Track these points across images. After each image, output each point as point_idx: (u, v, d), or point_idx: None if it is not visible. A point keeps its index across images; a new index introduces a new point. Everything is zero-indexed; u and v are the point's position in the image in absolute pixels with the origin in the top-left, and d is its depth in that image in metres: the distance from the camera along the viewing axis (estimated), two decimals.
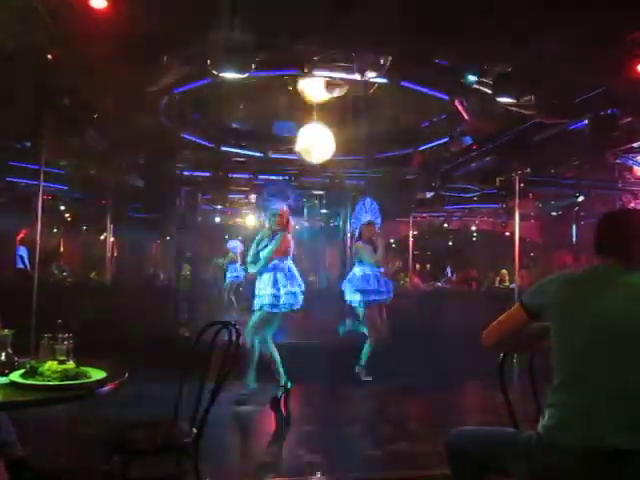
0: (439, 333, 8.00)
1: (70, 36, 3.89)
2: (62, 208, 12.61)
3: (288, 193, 5.35)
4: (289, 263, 5.15)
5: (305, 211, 10.82)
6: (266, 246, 5.11)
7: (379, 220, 6.67)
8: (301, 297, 5.12)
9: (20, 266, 11.64)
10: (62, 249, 14.70)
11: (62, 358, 2.35)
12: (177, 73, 4.52)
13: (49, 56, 4.60)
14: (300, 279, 5.20)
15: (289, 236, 5.18)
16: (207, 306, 10.71)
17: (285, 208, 5.24)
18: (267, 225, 5.22)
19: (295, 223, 5.92)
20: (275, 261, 5.08)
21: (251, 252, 5.25)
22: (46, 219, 8.56)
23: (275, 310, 5.03)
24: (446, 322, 8.48)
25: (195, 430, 2.68)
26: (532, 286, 2.09)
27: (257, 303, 5.10)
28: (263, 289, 5.05)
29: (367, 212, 6.58)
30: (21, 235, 11.90)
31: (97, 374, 2.34)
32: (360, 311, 6.48)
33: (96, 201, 11.11)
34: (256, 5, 3.94)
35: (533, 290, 2.07)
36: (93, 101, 5.80)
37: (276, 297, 4.99)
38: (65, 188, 10.48)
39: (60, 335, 2.50)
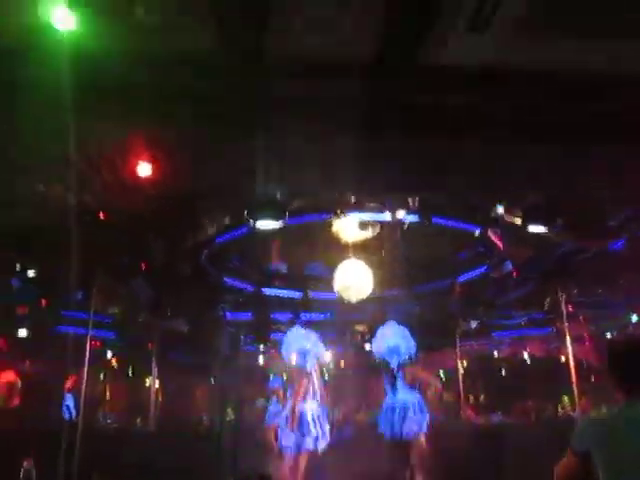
0: (499, 471, 7.42)
1: (118, 200, 4.23)
2: (109, 354, 12.81)
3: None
4: None
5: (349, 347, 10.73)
6: None
7: (411, 345, 6.01)
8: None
9: (67, 415, 11.58)
10: (108, 395, 14.69)
11: None
12: (216, 224, 4.79)
13: (100, 215, 4.98)
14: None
15: None
16: (252, 451, 10.31)
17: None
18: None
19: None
20: None
21: None
22: (93, 366, 8.69)
23: None
24: (506, 459, 7.87)
25: None
26: (576, 429, 2.03)
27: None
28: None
29: (391, 337, 6.03)
30: (69, 383, 12.00)
31: None
32: None
33: (142, 346, 11.27)
34: (289, 159, 4.23)
35: (577, 433, 2.05)
36: (139, 252, 6.13)
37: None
38: (112, 336, 10.74)
39: None
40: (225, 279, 7.43)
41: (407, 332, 6.04)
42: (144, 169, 3.65)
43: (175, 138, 3.59)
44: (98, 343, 11.43)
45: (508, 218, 4.92)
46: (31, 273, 7.31)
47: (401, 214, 4.84)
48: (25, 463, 2.56)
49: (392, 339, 5.93)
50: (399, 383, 5.81)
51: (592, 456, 1.96)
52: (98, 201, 4.25)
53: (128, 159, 3.69)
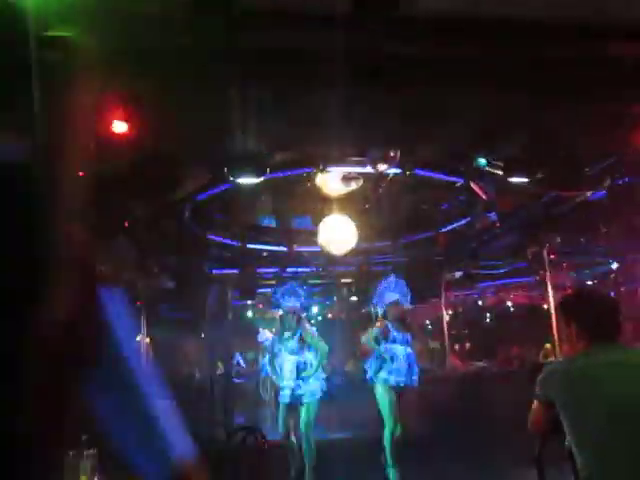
0: (482, 417, 7.65)
1: (95, 158, 4.16)
2: None
3: (299, 292, 5.74)
4: None
5: (335, 299, 10.92)
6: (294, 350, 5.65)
7: (408, 299, 6.16)
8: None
9: None
10: None
11: (84, 478, 2.34)
12: (197, 181, 4.75)
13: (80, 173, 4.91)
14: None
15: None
16: (243, 403, 10.56)
17: (298, 306, 5.69)
18: (281, 324, 5.75)
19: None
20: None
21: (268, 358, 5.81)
22: None
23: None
24: (490, 405, 8.12)
25: None
26: (539, 378, 2.08)
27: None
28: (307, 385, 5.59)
29: (392, 291, 6.07)
30: None
31: None
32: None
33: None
34: (268, 113, 4.18)
35: (541, 382, 2.10)
36: (121, 211, 6.08)
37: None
38: None
39: (85, 452, 2.49)
40: (210, 235, 7.43)
41: (405, 287, 6.13)
42: (119, 127, 3.59)
43: (149, 95, 3.52)
44: None
45: (490, 169, 4.92)
46: None
47: (383, 167, 4.82)
48: None
49: (392, 295, 6.03)
50: (393, 335, 5.95)
51: (555, 403, 2.02)
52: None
53: (102, 117, 3.62)
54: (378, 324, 6.14)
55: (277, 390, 5.83)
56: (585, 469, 1.86)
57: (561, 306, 2.25)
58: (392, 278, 6.23)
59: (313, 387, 5.64)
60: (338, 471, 6.20)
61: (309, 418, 5.54)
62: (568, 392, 1.96)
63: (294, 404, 5.55)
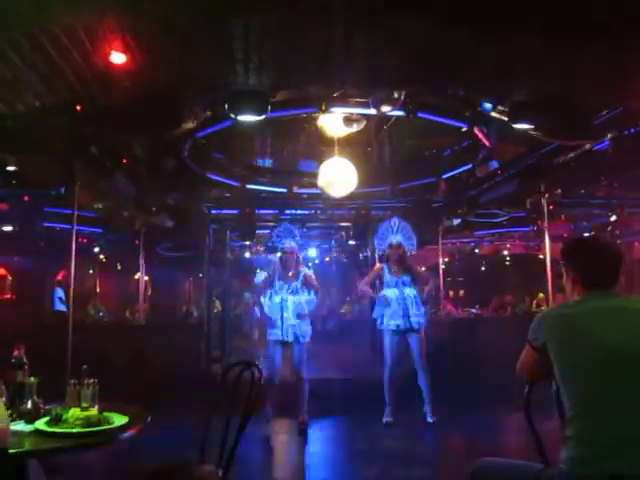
0: (474, 361, 7.83)
1: (93, 90, 4.07)
2: (97, 250, 12.94)
3: (295, 232, 5.78)
4: None
5: (333, 243, 10.94)
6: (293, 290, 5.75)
7: (413, 242, 6.12)
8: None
9: (59, 307, 11.91)
10: (98, 289, 15.03)
11: (85, 405, 2.41)
12: (198, 117, 4.66)
13: (77, 107, 4.82)
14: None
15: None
16: (239, 341, 10.78)
17: (295, 246, 5.75)
18: (280, 264, 5.78)
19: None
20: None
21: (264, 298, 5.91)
22: (82, 261, 8.78)
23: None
24: (481, 350, 8.29)
25: (221, 472, 2.69)
26: (533, 322, 2.11)
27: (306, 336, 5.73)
28: (306, 325, 5.74)
29: (395, 233, 6.07)
30: (59, 277, 12.24)
31: (120, 420, 2.37)
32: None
33: (129, 242, 11.38)
34: (270, 49, 4.06)
35: (533, 327, 2.11)
36: (120, 147, 6.01)
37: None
38: (99, 231, 10.80)
39: (85, 381, 2.56)
40: (209, 174, 7.36)
41: (410, 230, 6.12)
42: (117, 58, 3.49)
43: (148, 25, 3.40)
44: (85, 239, 11.54)
45: (495, 115, 4.84)
46: (11, 168, 7.12)
47: (387, 109, 4.72)
48: (15, 351, 2.63)
49: (393, 237, 6.04)
50: (386, 279, 6.06)
51: (547, 348, 2.03)
52: (73, 92, 4.09)
53: (101, 48, 3.51)
54: (375, 269, 6.22)
55: (267, 328, 5.87)
56: (571, 410, 1.91)
57: (562, 252, 2.24)
58: (395, 220, 6.19)
59: (308, 328, 5.76)
60: (337, 408, 6.43)
61: (302, 356, 5.66)
62: (560, 337, 1.98)
63: (289, 342, 5.66)
